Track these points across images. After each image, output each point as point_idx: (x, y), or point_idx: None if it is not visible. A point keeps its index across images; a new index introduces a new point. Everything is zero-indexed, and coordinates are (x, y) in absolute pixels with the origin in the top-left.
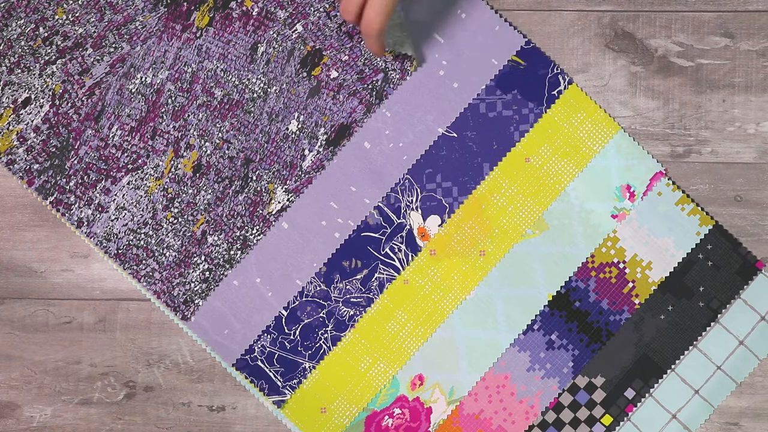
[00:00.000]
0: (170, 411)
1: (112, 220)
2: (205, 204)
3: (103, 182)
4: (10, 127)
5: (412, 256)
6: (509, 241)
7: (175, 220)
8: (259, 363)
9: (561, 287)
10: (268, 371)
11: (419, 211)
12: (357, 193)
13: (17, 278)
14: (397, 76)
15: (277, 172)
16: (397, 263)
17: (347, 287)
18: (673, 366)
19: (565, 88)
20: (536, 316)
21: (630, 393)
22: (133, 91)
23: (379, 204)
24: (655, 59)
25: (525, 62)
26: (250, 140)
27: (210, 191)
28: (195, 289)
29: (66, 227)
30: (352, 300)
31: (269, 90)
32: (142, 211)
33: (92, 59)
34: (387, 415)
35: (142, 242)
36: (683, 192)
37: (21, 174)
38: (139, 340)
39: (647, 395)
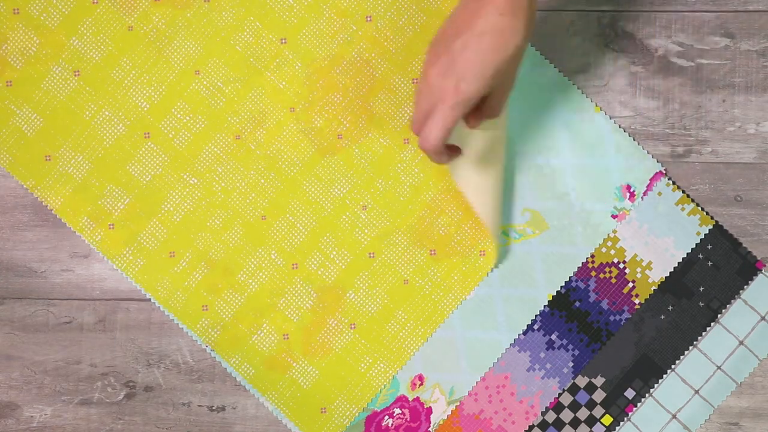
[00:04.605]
0: (170, 411)
1: None
2: None
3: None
4: None
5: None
6: (509, 241)
7: None
8: None
9: (561, 287)
10: None
11: None
12: None
13: (17, 278)
14: None
15: None
16: None
17: None
18: (673, 366)
19: None
20: (536, 316)
21: (630, 393)
22: None
23: None
24: (655, 59)
25: None
26: None
27: None
28: None
29: (66, 227)
30: None
31: None
32: None
33: None
34: (387, 415)
35: None
36: (683, 192)
37: None
38: (139, 340)
39: (647, 395)
